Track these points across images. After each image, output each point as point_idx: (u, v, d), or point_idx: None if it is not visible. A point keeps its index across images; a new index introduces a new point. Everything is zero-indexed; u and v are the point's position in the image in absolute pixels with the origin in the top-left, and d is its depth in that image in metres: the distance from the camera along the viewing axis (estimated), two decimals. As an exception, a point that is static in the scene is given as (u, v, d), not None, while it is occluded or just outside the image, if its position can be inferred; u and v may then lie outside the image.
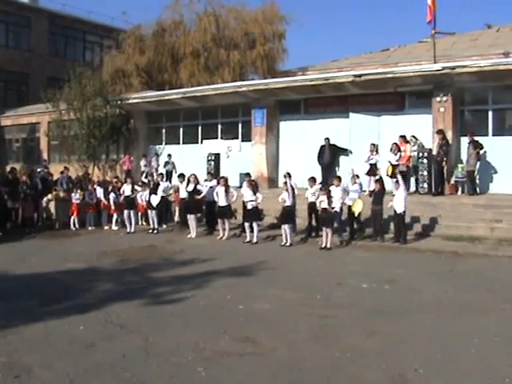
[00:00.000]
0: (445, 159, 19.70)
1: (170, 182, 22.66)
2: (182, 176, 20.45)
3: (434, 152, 20.03)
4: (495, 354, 7.57)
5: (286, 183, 17.64)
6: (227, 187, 18.56)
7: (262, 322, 9.02)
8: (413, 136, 20.47)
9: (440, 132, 19.89)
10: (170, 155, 26.22)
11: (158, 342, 8.11)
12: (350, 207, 17.35)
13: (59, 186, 22.97)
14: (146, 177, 23.59)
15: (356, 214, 17.37)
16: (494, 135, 20.40)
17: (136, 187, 21.23)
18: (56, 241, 18.94)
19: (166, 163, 25.77)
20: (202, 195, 19.39)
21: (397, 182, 17.14)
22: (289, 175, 18.10)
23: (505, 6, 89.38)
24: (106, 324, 8.99)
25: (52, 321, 9.11)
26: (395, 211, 16.56)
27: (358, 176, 17.84)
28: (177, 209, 21.60)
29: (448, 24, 71.91)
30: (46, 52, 43.46)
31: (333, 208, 16.39)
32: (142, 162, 26.54)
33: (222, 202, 18.46)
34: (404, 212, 16.55)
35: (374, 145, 20.78)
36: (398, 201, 16.48)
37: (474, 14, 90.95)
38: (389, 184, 18.69)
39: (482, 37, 31.92)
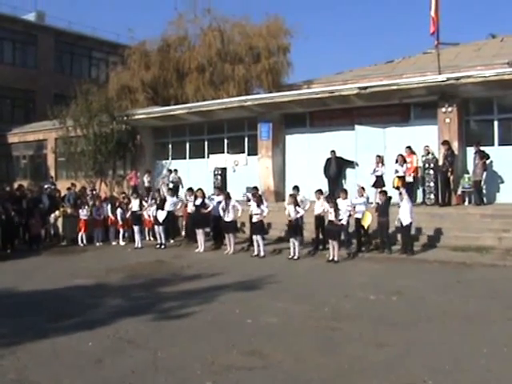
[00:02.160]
0: (450, 170, 19.70)
1: (177, 196, 22.67)
2: (190, 190, 20.49)
3: (440, 163, 20.02)
4: (505, 364, 7.55)
5: (291, 196, 17.61)
6: (229, 201, 18.56)
7: (269, 336, 9.02)
8: (427, 147, 20.43)
9: (445, 143, 19.91)
10: (176, 170, 26.25)
11: (167, 356, 8.12)
12: (357, 220, 17.34)
13: (66, 202, 23.04)
14: (149, 192, 23.49)
15: (366, 227, 17.40)
16: (499, 145, 20.40)
17: (143, 203, 21.28)
18: (64, 257, 19.00)
19: (173, 179, 25.81)
20: (209, 209, 19.41)
21: (400, 194, 17.15)
22: (297, 189, 18.14)
23: (509, 16, 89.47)
24: (115, 339, 9.00)
25: (60, 337, 9.14)
26: (401, 223, 16.57)
27: (363, 189, 17.84)
28: (184, 223, 21.61)
29: (452, 35, 72.22)
30: (53, 69, 43.74)
31: (340, 220, 16.39)
32: (146, 178, 26.55)
33: (227, 216, 18.48)
34: (410, 224, 16.55)
35: (379, 157, 20.80)
36: (403, 213, 16.48)
37: (478, 25, 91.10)
38: (395, 196, 18.67)
39: (486, 47, 31.91)
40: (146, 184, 26.20)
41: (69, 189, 24.16)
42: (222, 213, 18.57)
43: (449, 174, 19.78)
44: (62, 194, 24.44)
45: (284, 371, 7.51)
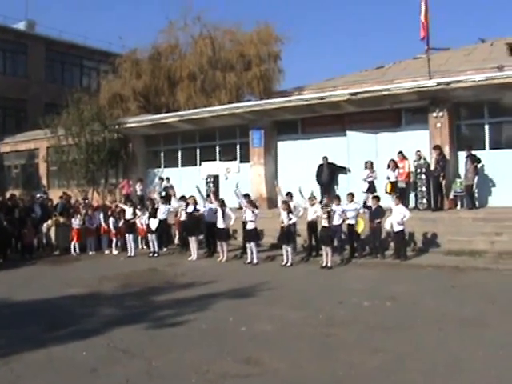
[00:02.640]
0: (442, 174, 19.76)
1: (169, 204, 22.66)
2: (183, 198, 20.49)
3: (432, 167, 20.08)
4: (501, 367, 7.57)
5: (284, 202, 17.63)
6: (224, 208, 18.56)
7: (264, 343, 9.02)
8: (418, 151, 20.47)
9: (437, 147, 19.98)
10: (168, 178, 26.22)
11: (161, 365, 8.11)
12: (349, 226, 17.37)
13: (57, 211, 23.00)
14: (141, 201, 23.43)
15: (359, 232, 17.46)
16: (491, 149, 20.48)
17: (137, 211, 21.26)
18: (57, 266, 18.94)
19: (165, 187, 25.75)
20: (200, 212, 19.44)
21: (396, 197, 17.21)
22: (290, 195, 18.16)
23: (498, 21, 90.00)
24: (109, 349, 8.97)
25: (55, 347, 9.10)
26: (394, 229, 16.61)
27: (352, 195, 17.87)
28: (177, 232, 21.59)
29: (442, 39, 72.38)
30: (44, 78, 43.65)
31: (334, 226, 16.42)
32: (138, 187, 26.50)
33: (219, 223, 18.47)
34: (403, 229, 16.59)
35: (370, 162, 20.86)
36: (396, 219, 16.52)
37: (468, 29, 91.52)
38: (387, 201, 18.71)
39: (475, 51, 32.06)
40: (139, 192, 26.16)
41: (61, 197, 24.14)
42: (213, 219, 18.56)
43: (441, 178, 19.84)
44: (55, 203, 24.37)
45: (280, 378, 7.51)
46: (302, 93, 29.18)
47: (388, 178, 20.35)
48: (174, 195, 22.67)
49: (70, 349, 8.99)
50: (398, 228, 16.54)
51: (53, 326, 10.60)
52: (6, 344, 9.43)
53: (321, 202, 18.27)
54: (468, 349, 8.37)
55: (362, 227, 17.38)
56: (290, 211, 17.23)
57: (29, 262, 19.95)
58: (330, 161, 22.74)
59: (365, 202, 18.81)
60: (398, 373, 7.54)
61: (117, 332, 9.91)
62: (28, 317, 11.54)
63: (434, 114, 20.58)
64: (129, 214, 21.15)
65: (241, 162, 26.06)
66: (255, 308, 11.57)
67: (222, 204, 18.69)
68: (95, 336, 9.69)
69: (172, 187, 25.32)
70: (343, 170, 23.12)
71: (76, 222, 21.54)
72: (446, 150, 20.31)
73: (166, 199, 22.59)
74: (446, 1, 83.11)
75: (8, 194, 27.38)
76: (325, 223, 16.49)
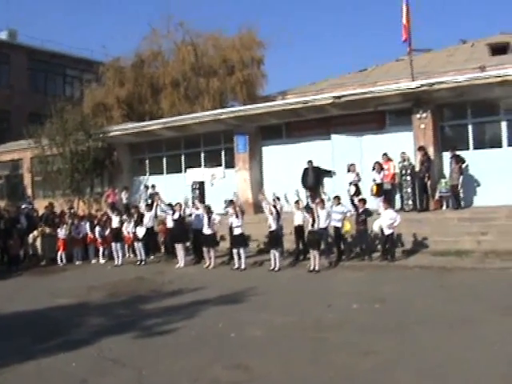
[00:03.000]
0: (427, 175, 19.85)
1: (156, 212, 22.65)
2: (169, 205, 20.46)
3: (417, 169, 20.17)
4: (495, 364, 7.64)
5: (274, 206, 17.64)
6: (210, 214, 18.55)
7: (254, 348, 9.02)
8: (403, 153, 20.55)
9: (421, 149, 20.07)
10: (153, 186, 26.15)
11: (152, 374, 8.08)
12: (336, 228, 17.39)
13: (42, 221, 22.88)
14: (127, 209, 23.32)
15: (343, 233, 17.49)
16: (474, 149, 20.58)
17: (123, 219, 21.18)
18: (44, 277, 18.84)
19: (151, 194, 25.67)
20: (188, 218, 19.44)
21: (384, 201, 17.27)
22: (278, 199, 18.15)
23: (478, 22, 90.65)
24: (99, 359, 8.94)
25: (44, 358, 9.05)
26: (382, 230, 16.66)
27: (339, 197, 17.87)
28: (163, 239, 21.52)
29: (424, 41, 72.69)
30: (27, 88, 43.41)
31: (320, 229, 16.44)
32: (124, 195, 26.42)
33: (205, 230, 18.46)
34: (393, 232, 16.65)
35: (352, 165, 20.91)
36: (386, 222, 16.57)
37: (449, 30, 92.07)
38: (373, 203, 18.77)
39: (457, 52, 32.34)
40: (124, 201, 26.06)
41: (46, 207, 24.04)
42: (200, 226, 18.55)
43: (426, 179, 19.92)
44: (40, 214, 24.23)
45: (270, 383, 7.51)
46: (286, 97, 29.29)
47: (374, 180, 20.40)
48: (161, 201, 22.68)
49: (60, 360, 8.95)
50: (388, 231, 16.59)
51: (42, 337, 10.55)
52: (-4, 356, 9.36)
53: (306, 206, 18.30)
54: (458, 348, 8.40)
55: (347, 229, 17.40)
56: (278, 214, 17.27)
57: (15, 273, 19.79)
58: (315, 164, 22.75)
59: (352, 200, 18.82)
60: (389, 375, 7.56)
61: (106, 342, 9.88)
62: (16, 328, 11.46)
63: (418, 116, 20.66)
64: (115, 223, 21.07)
65: (226, 167, 26.04)
66: (244, 314, 11.56)
67: (208, 210, 18.67)
68: (84, 346, 9.64)
69: (158, 194, 25.29)
70: (328, 173, 23.15)
71: (62, 232, 21.44)
72: (431, 151, 20.39)
73: (152, 206, 22.56)
74: (427, 2, 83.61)
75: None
76: (311, 227, 16.51)
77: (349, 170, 20.93)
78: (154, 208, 21.22)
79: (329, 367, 7.94)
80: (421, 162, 20.00)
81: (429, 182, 20.04)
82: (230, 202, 19.25)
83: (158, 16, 52.23)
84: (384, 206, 17.12)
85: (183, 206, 19.41)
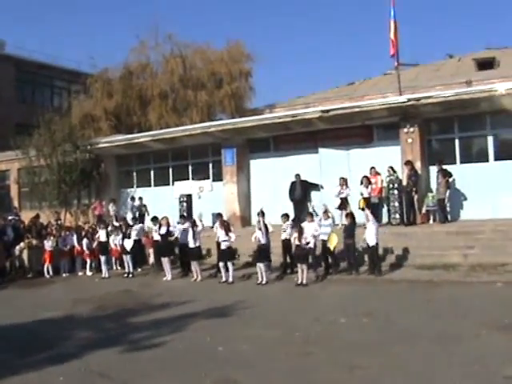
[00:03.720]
0: (414, 189, 19.94)
1: (143, 224, 22.62)
2: (155, 219, 20.47)
3: (404, 183, 20.25)
4: (475, 382, 7.65)
5: (259, 222, 17.68)
6: (195, 228, 18.52)
7: (242, 363, 9.00)
8: (390, 167, 20.64)
9: (408, 163, 20.17)
10: (141, 198, 26.13)
11: (139, 388, 8.06)
12: (324, 242, 17.42)
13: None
14: (116, 221, 23.21)
15: (332, 249, 17.49)
16: (461, 163, 20.72)
17: (110, 232, 21.12)
18: (30, 289, 18.76)
19: (139, 207, 25.65)
20: (175, 237, 19.35)
21: (367, 215, 17.32)
22: (262, 213, 18.17)
23: (465, 37, 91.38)
24: (86, 373, 8.89)
25: (30, 373, 8.97)
26: (368, 244, 16.71)
27: (328, 211, 17.89)
28: (151, 251, 21.48)
29: (411, 55, 73.06)
30: (14, 99, 43.26)
31: (307, 244, 16.44)
32: (111, 207, 26.35)
33: (190, 243, 18.44)
34: (377, 244, 16.68)
35: (343, 179, 20.95)
36: (369, 234, 16.63)
37: (436, 45, 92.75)
38: (361, 217, 18.82)
39: (444, 67, 32.59)
40: (112, 213, 25.98)
41: (31, 219, 23.95)
42: (191, 241, 18.50)
43: (413, 193, 20.01)
44: (27, 225, 24.12)
45: (258, 399, 7.52)
46: (274, 110, 29.39)
47: (361, 194, 20.46)
48: (148, 214, 22.65)
49: (46, 374, 8.88)
50: (371, 242, 16.62)
51: (27, 351, 10.49)
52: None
53: (294, 220, 18.33)
54: (443, 364, 8.41)
55: (334, 243, 17.41)
56: (266, 228, 17.30)
57: (1, 285, 19.67)
58: (302, 178, 22.80)
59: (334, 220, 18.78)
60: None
61: (93, 355, 9.83)
62: (2, 342, 11.38)
63: (405, 130, 20.77)
64: (102, 236, 21.01)
65: (214, 180, 26.06)
66: (232, 328, 11.56)
67: (194, 224, 18.66)
68: (71, 360, 9.58)
69: (145, 206, 25.29)
70: (316, 187, 23.19)
71: (48, 244, 21.35)
72: (418, 165, 20.50)
73: (139, 219, 22.55)
74: (414, 17, 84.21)
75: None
76: (297, 241, 16.54)
77: (340, 184, 20.90)
78: (142, 221, 21.23)
79: (315, 383, 7.93)
80: (408, 176, 20.09)
81: (416, 196, 20.13)
82: (218, 216, 19.26)
83: (145, 28, 51.95)
84: (366, 218, 17.16)
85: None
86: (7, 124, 40.50)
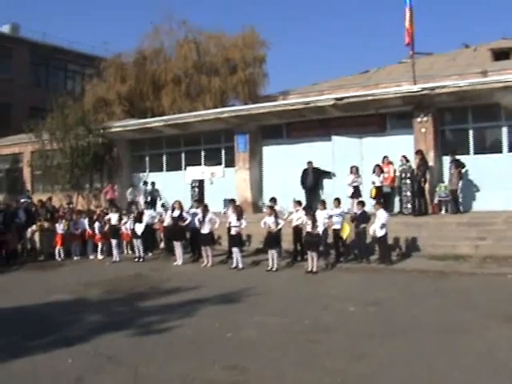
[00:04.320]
0: (423, 179, 19.82)
1: (155, 209, 22.62)
2: (163, 206, 20.51)
3: (415, 172, 20.17)
4: (482, 375, 7.60)
5: (270, 208, 17.68)
6: (206, 213, 18.52)
7: (250, 350, 9.02)
8: (403, 157, 20.53)
9: (419, 152, 20.06)
10: (153, 183, 26.18)
11: (147, 373, 8.08)
12: (334, 231, 17.38)
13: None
14: (134, 206, 23.12)
15: (345, 238, 17.48)
16: (475, 153, 20.61)
17: (123, 216, 21.15)
18: (41, 272, 18.83)
19: (151, 191, 25.74)
20: (187, 222, 19.34)
21: (377, 203, 17.27)
22: (274, 200, 18.15)
23: (481, 26, 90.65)
24: (95, 356, 8.92)
25: (39, 355, 9.02)
26: (376, 234, 16.65)
27: (339, 200, 17.84)
28: (162, 236, 21.52)
29: (426, 44, 72.79)
30: (28, 82, 43.35)
31: (317, 232, 16.41)
32: (129, 192, 26.39)
33: (203, 229, 18.44)
34: (385, 235, 16.62)
35: (354, 167, 20.90)
36: (378, 224, 16.57)
37: (452, 35, 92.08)
38: (372, 206, 18.77)
39: (459, 56, 32.32)
40: (129, 198, 26.01)
41: (41, 202, 24.03)
42: (198, 225, 18.53)
43: (422, 183, 19.90)
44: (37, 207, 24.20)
45: (265, 386, 7.53)
46: (287, 97, 29.28)
47: (373, 183, 20.40)
48: (160, 199, 22.64)
49: (55, 357, 8.92)
50: (380, 233, 16.58)
51: (37, 333, 10.51)
52: (-11, 352, 9.34)
53: (305, 208, 18.30)
54: (450, 355, 8.38)
55: (347, 232, 17.41)
56: (276, 216, 17.27)
57: (13, 267, 19.78)
58: (314, 165, 22.75)
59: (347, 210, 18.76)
60: (382, 380, 7.57)
61: (102, 339, 9.87)
62: (11, 324, 11.45)
63: (419, 119, 20.68)
64: (114, 220, 21.05)
65: (226, 166, 26.06)
66: (241, 314, 11.57)
67: (205, 209, 18.66)
68: (80, 343, 9.62)
69: (158, 191, 25.37)
70: (328, 174, 23.15)
71: (60, 227, 21.41)
72: (431, 155, 20.42)
73: (151, 204, 22.56)
74: (430, 6, 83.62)
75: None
76: (309, 229, 16.51)
77: (351, 172, 20.90)
78: (154, 206, 21.23)
79: (323, 371, 7.92)
80: (417, 165, 19.99)
81: (426, 186, 20.04)
82: (231, 202, 19.28)
83: (159, 14, 51.82)
84: (376, 207, 17.12)
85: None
86: (21, 107, 40.69)
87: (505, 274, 14.60)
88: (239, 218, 17.71)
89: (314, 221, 16.45)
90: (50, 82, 45.01)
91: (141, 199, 24.69)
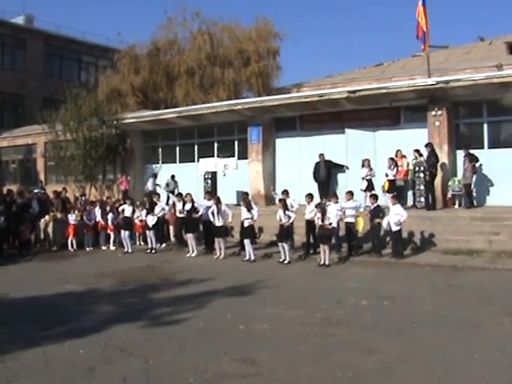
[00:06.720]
0: (428, 172, 19.64)
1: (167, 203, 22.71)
2: (179, 195, 20.49)
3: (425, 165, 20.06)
4: (496, 370, 7.54)
5: (280, 200, 17.65)
6: (220, 205, 18.48)
7: (261, 342, 9.00)
8: (417, 150, 20.39)
9: (428, 145, 19.93)
10: (173, 176, 26.24)
11: (159, 364, 8.08)
12: (347, 224, 17.32)
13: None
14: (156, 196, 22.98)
15: (360, 231, 17.45)
16: (489, 148, 20.49)
17: (136, 207, 21.16)
18: (54, 262, 18.87)
19: (168, 184, 25.84)
20: (200, 213, 19.31)
21: (392, 197, 17.20)
22: (286, 193, 18.11)
23: (496, 19, 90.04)
24: (106, 347, 8.93)
25: (51, 345, 9.05)
26: (390, 227, 16.57)
27: (352, 193, 17.78)
28: (171, 228, 21.52)
29: (441, 37, 72.39)
30: (42, 73, 43.57)
31: (330, 224, 16.36)
32: (150, 183, 26.51)
33: (216, 221, 18.42)
34: (400, 230, 16.55)
35: (367, 160, 20.83)
36: (393, 218, 16.48)
37: (467, 28, 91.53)
38: (385, 199, 18.70)
39: (474, 50, 32.08)
40: (151, 188, 26.11)
41: (55, 193, 24.13)
42: (211, 217, 18.51)
43: (427, 176, 19.74)
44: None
45: (277, 379, 7.49)
46: (301, 90, 29.19)
47: (386, 176, 20.32)
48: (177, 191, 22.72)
49: (67, 347, 8.94)
50: (395, 228, 16.50)
51: (49, 323, 10.53)
52: (1, 342, 9.35)
53: (318, 200, 18.26)
54: (464, 350, 8.33)
55: (362, 226, 17.36)
56: (286, 209, 17.22)
57: (26, 258, 19.84)
58: (326, 158, 22.68)
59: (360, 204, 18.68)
60: (394, 374, 7.52)
61: (114, 330, 9.88)
62: (23, 314, 11.48)
63: (433, 113, 20.56)
64: (127, 211, 21.05)
65: (239, 158, 25.99)
66: (253, 306, 11.55)
67: (218, 201, 18.63)
68: (92, 334, 9.64)
69: (176, 183, 25.47)
70: (340, 167, 23.08)
71: (72, 218, 21.44)
72: (445, 149, 20.33)
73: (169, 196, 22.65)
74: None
75: (5, 190, 27.17)
76: (320, 222, 16.46)
77: (363, 165, 20.84)
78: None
79: (335, 365, 7.90)
80: (426, 158, 19.86)
81: (435, 180, 19.91)
82: (243, 194, 19.28)
83: (173, 5, 51.83)
84: (392, 201, 17.03)
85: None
86: (34, 98, 40.92)
87: (519, 269, 14.51)
88: (249, 210, 17.68)
89: (324, 214, 16.40)
90: (64, 73, 45.21)
91: (161, 190, 24.78)
